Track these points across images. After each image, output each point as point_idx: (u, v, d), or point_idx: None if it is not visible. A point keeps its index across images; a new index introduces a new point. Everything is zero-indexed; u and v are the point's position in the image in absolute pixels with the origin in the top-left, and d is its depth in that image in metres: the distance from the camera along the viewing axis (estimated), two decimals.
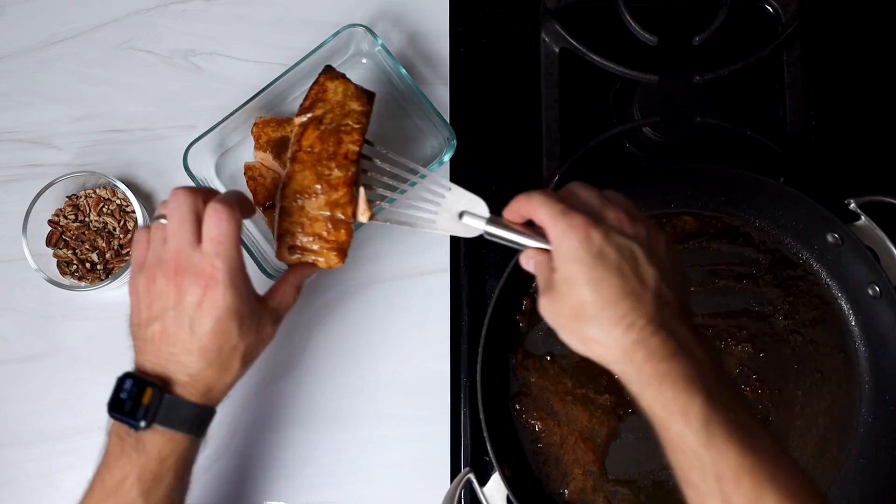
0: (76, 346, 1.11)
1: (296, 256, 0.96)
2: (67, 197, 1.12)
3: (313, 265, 0.96)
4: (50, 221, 1.11)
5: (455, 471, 1.08)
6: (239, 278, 0.88)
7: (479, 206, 0.90)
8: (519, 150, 1.14)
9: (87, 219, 1.11)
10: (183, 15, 1.16)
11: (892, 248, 1.02)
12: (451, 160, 1.12)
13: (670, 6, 1.15)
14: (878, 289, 1.01)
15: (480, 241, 1.11)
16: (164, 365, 0.88)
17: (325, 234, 0.94)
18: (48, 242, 1.11)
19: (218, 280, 0.86)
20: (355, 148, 0.96)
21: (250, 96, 1.07)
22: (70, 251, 1.10)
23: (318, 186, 0.94)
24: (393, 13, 1.16)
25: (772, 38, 1.13)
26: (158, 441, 0.87)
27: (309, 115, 0.99)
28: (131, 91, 1.15)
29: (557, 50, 1.13)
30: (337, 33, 1.08)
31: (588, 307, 0.80)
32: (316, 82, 1.01)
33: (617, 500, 1.04)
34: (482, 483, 1.02)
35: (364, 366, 1.11)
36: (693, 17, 1.13)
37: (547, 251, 0.85)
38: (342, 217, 0.94)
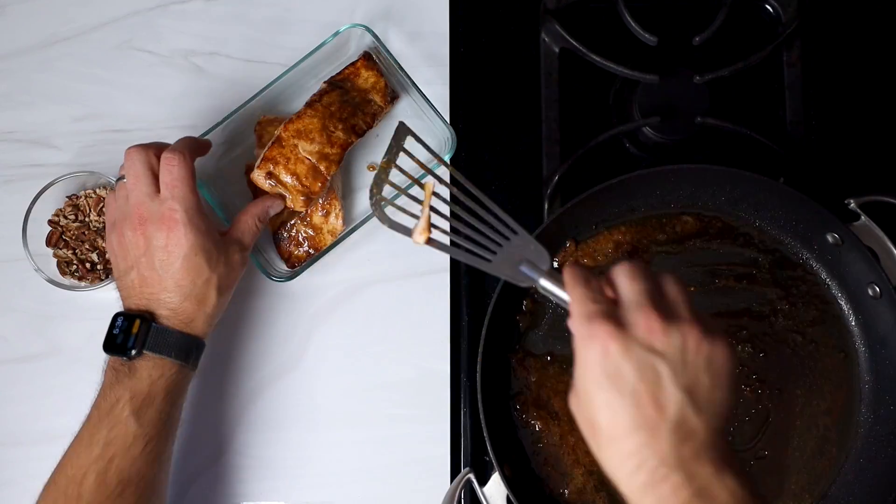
0: (76, 346, 1.11)
1: (269, 184, 1.05)
2: (67, 197, 1.12)
3: (275, 199, 1.05)
4: (50, 221, 1.11)
5: (455, 471, 1.08)
6: (197, 216, 0.96)
7: (542, 257, 0.81)
8: (519, 150, 1.14)
9: (87, 219, 1.11)
10: (183, 15, 1.16)
11: (892, 248, 1.02)
12: (452, 160, 1.12)
13: (670, 6, 1.15)
14: (878, 289, 1.01)
15: None
16: (146, 304, 0.96)
17: (303, 177, 1.04)
18: (48, 242, 1.11)
19: (177, 220, 0.94)
20: (364, 126, 1.08)
21: (250, 96, 1.08)
22: (70, 251, 1.10)
23: (320, 136, 1.04)
24: (393, 13, 1.16)
25: (772, 38, 1.13)
26: (149, 365, 0.94)
27: (338, 87, 1.08)
28: (131, 91, 1.15)
29: (557, 50, 1.13)
30: (337, 33, 1.08)
31: (600, 432, 0.72)
32: (353, 64, 1.10)
33: (617, 500, 1.04)
34: (482, 483, 1.02)
35: (364, 366, 1.11)
36: (693, 17, 1.13)
37: None
38: (324, 171, 1.04)
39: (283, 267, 1.10)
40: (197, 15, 1.16)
